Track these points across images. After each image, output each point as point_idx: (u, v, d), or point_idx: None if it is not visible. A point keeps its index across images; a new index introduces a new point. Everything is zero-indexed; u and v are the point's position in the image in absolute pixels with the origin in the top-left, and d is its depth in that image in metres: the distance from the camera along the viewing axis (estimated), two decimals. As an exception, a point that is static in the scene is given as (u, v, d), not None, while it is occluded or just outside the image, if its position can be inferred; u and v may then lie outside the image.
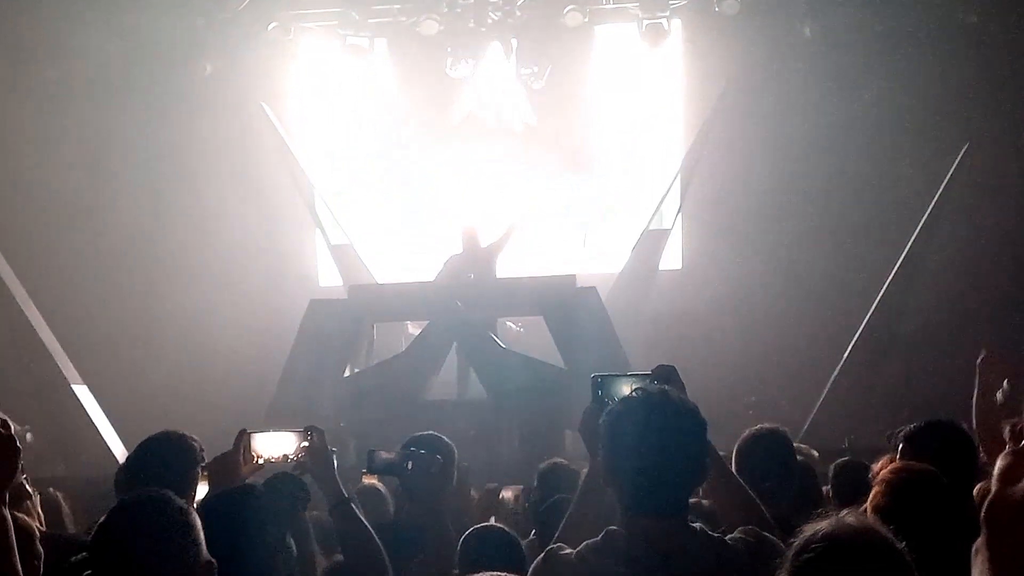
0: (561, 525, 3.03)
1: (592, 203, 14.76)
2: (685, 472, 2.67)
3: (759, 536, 2.77)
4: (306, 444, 3.64)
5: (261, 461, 3.69)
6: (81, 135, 13.74)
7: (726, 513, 3.08)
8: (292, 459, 3.68)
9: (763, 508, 3.10)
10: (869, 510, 3.25)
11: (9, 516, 2.75)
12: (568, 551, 2.71)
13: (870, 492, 3.68)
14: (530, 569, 2.76)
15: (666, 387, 2.81)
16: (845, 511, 2.55)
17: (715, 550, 2.64)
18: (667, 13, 14.12)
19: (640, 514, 2.64)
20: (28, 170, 13.75)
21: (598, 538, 2.67)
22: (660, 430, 2.66)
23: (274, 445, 3.67)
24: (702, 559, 2.60)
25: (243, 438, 3.68)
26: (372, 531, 3.55)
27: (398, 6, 14.55)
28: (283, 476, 3.72)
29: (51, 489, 5.43)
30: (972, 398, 5.51)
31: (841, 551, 2.27)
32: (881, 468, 3.63)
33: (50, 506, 4.97)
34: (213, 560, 2.72)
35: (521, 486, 4.45)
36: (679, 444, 2.66)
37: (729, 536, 2.75)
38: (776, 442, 4.13)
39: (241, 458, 3.64)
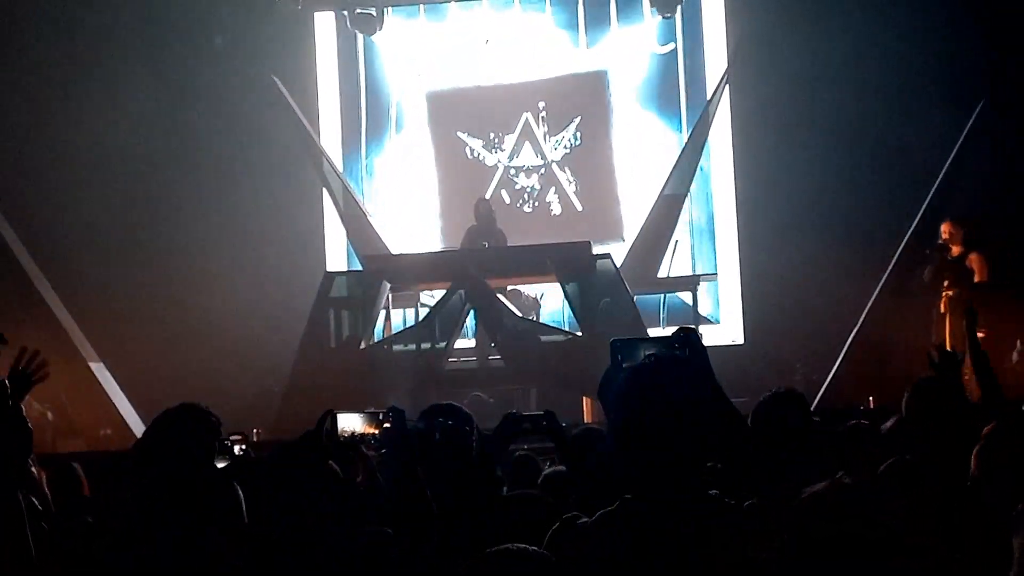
0: (581, 489, 2.99)
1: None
2: (697, 439, 2.61)
3: (773, 502, 2.73)
4: (387, 425, 3.67)
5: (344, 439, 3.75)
6: (88, 110, 13.71)
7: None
8: (373, 438, 3.73)
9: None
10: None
11: (22, 499, 2.76)
12: (584, 519, 2.69)
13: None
14: (547, 537, 2.73)
15: (679, 352, 2.76)
16: (841, 473, 2.58)
17: (729, 517, 2.59)
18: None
19: (653, 482, 2.60)
20: (38, 151, 13.76)
21: (613, 507, 2.63)
22: (671, 396, 2.60)
23: (356, 425, 3.73)
24: (715, 526, 2.56)
25: (327, 418, 3.72)
26: (436, 517, 3.56)
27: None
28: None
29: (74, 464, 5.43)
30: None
31: (835, 510, 2.32)
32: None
33: (69, 478, 4.97)
34: None
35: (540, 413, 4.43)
36: (690, 410, 2.60)
37: (747, 503, 2.70)
38: (793, 404, 4.08)
39: (324, 437, 3.68)
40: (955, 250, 10.63)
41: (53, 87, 13.83)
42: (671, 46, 14.62)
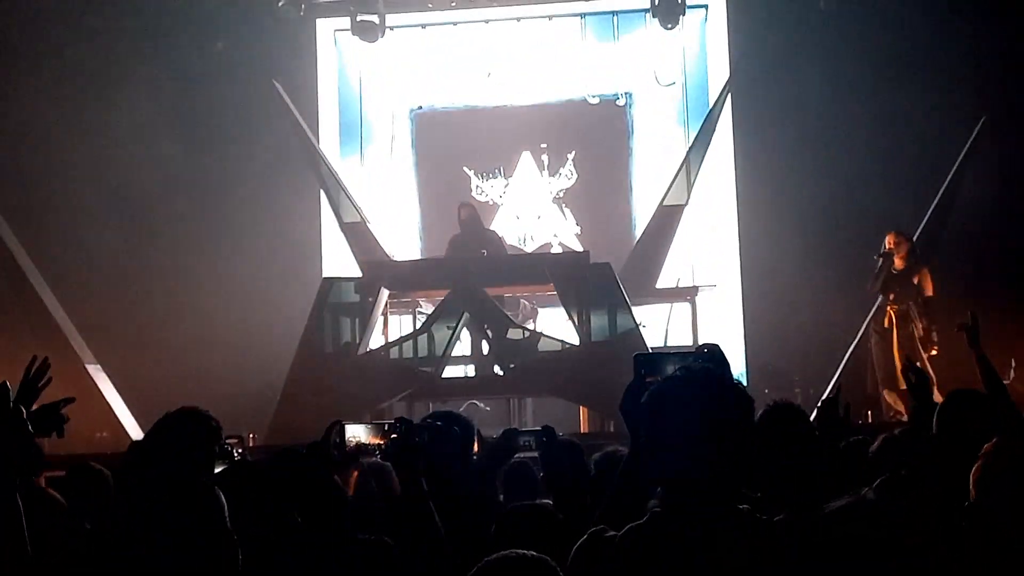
0: (602, 504, 2.97)
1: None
2: (731, 452, 2.58)
3: (804, 517, 2.72)
4: (394, 435, 3.66)
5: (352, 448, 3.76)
6: (90, 113, 13.70)
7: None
8: (380, 449, 3.74)
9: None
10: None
11: (20, 503, 2.77)
12: (612, 533, 2.64)
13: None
14: (573, 550, 2.71)
15: (710, 365, 2.74)
16: (866, 488, 2.58)
17: (762, 532, 2.56)
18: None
19: (685, 495, 2.57)
20: (36, 154, 13.74)
21: (642, 520, 2.60)
22: (705, 409, 2.58)
23: (364, 435, 3.74)
24: (749, 541, 2.53)
25: (335, 428, 3.73)
26: (441, 530, 3.55)
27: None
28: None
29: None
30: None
31: (860, 524, 2.33)
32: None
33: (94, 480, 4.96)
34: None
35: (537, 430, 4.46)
36: (724, 423, 2.58)
37: (777, 518, 2.68)
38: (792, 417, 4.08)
39: (332, 448, 3.69)
40: (898, 263, 10.54)
41: (51, 90, 13.81)
42: (674, 83, 14.82)
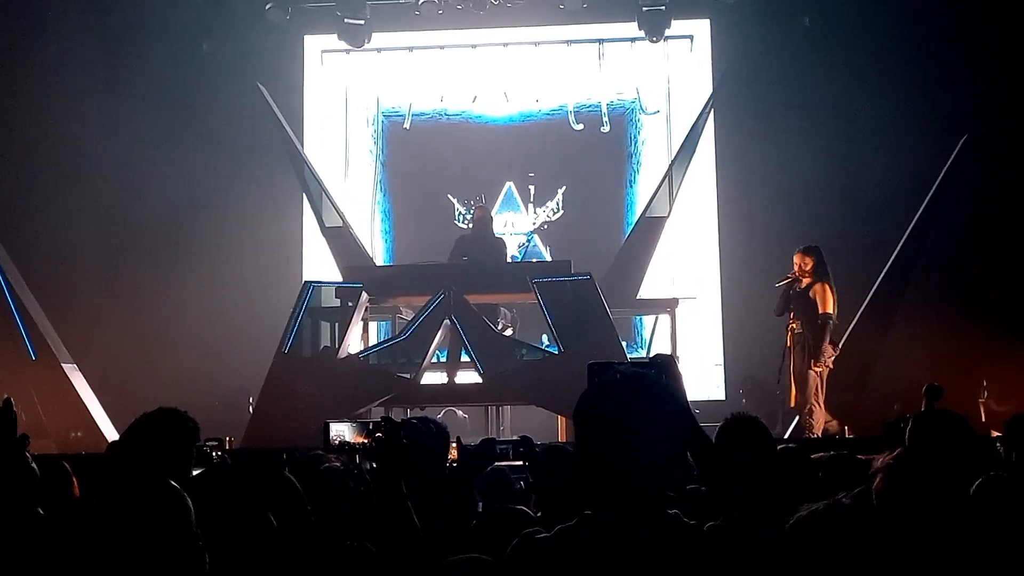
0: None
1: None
2: (659, 457, 2.55)
3: (738, 524, 2.71)
4: (379, 435, 3.66)
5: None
6: (73, 111, 13.65)
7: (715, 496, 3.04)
8: (364, 447, 3.72)
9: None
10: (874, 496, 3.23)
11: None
12: (543, 535, 2.64)
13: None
14: (507, 552, 2.72)
15: (645, 370, 2.72)
16: (842, 494, 2.58)
17: (689, 538, 2.55)
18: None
19: (612, 499, 2.55)
20: (14, 152, 13.68)
21: (572, 522, 2.59)
22: (633, 412, 2.54)
23: (349, 434, 3.73)
24: (675, 547, 2.51)
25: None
26: (420, 530, 3.54)
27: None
28: None
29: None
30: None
31: (835, 530, 2.34)
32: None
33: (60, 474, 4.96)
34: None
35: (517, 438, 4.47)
36: (653, 427, 2.54)
37: (707, 524, 2.65)
38: (753, 429, 4.08)
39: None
40: (804, 281, 10.35)
41: (31, 86, 13.77)
42: (659, 111, 14.89)
